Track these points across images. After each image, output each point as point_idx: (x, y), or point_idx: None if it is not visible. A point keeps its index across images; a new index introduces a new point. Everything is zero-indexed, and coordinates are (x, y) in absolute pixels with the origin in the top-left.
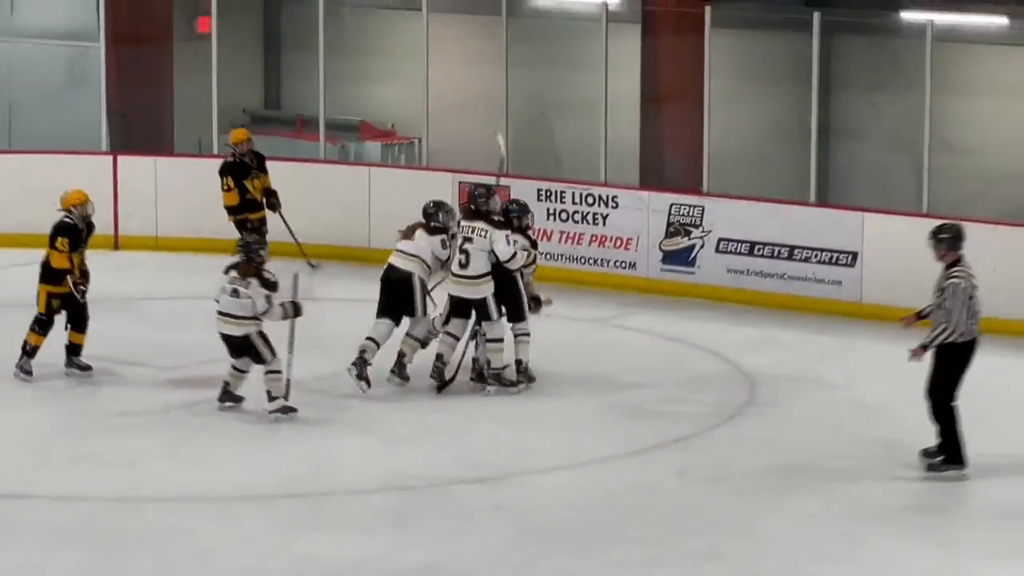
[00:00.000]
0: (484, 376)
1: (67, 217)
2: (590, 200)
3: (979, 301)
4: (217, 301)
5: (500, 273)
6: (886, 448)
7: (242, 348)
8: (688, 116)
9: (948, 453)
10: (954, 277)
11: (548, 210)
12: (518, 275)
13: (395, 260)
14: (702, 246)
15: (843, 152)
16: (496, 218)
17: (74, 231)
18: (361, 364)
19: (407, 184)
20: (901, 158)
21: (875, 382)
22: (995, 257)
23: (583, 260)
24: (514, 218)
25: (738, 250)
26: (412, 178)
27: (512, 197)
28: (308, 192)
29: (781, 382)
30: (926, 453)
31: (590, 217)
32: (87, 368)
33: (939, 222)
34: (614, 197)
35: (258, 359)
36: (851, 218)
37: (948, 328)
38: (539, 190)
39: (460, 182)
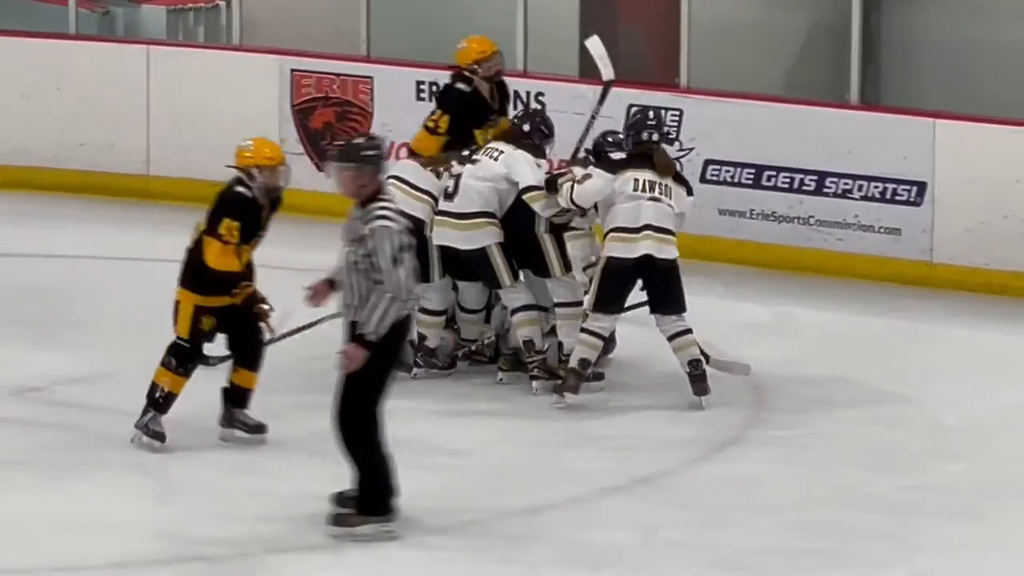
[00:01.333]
0: (521, 363)
1: (242, 185)
2: None
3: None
4: None
5: (525, 226)
6: (969, 496)
7: None
8: None
9: (363, 498)
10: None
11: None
12: (542, 228)
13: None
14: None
15: (903, 27)
16: (535, 143)
17: (251, 210)
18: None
19: (209, 72)
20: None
21: (950, 389)
22: None
23: None
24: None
25: (736, 179)
26: (216, 63)
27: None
28: (46, 85)
29: (801, 389)
30: (339, 498)
31: None
32: (260, 430)
33: None
34: (539, 94)
35: None
36: (916, 128)
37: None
38: (418, 83)
39: (293, 69)
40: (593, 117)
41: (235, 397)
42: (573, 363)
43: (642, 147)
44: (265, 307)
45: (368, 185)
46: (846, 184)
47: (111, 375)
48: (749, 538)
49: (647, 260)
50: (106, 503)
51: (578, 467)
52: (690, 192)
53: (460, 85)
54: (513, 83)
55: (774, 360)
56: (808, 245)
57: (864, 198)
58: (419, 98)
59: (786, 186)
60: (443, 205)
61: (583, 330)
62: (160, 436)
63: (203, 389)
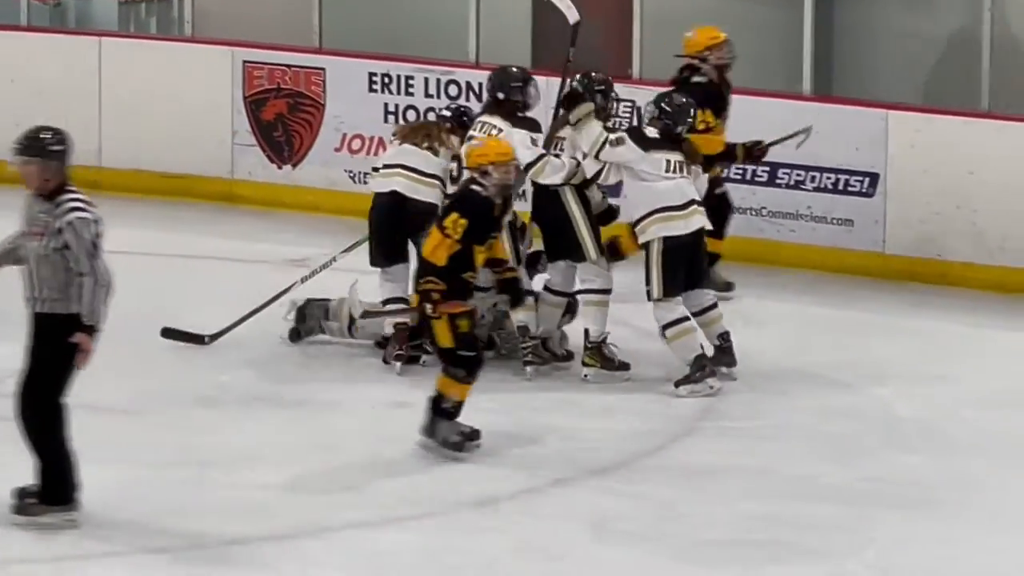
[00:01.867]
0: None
1: (476, 184)
2: (453, 90)
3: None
4: None
5: (548, 198)
6: (924, 488)
7: None
8: None
9: (46, 488)
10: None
11: (387, 106)
12: (568, 194)
13: None
14: None
15: (856, 18)
16: (526, 113)
17: (484, 209)
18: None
19: (161, 63)
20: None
21: (905, 380)
22: None
23: None
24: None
25: None
26: (168, 54)
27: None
28: None
29: (755, 380)
30: (22, 493)
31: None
32: (474, 436)
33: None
34: None
35: None
36: (869, 119)
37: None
38: (371, 74)
39: (245, 61)
40: (568, 61)
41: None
42: (688, 358)
43: (672, 134)
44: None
45: (53, 179)
46: (799, 175)
47: None
48: (703, 530)
49: (699, 235)
50: None
51: (532, 459)
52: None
53: (697, 78)
54: (466, 74)
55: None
56: (761, 236)
57: (817, 189)
58: (371, 90)
59: (739, 177)
60: (451, 189)
61: (670, 324)
62: (460, 445)
63: (159, 373)
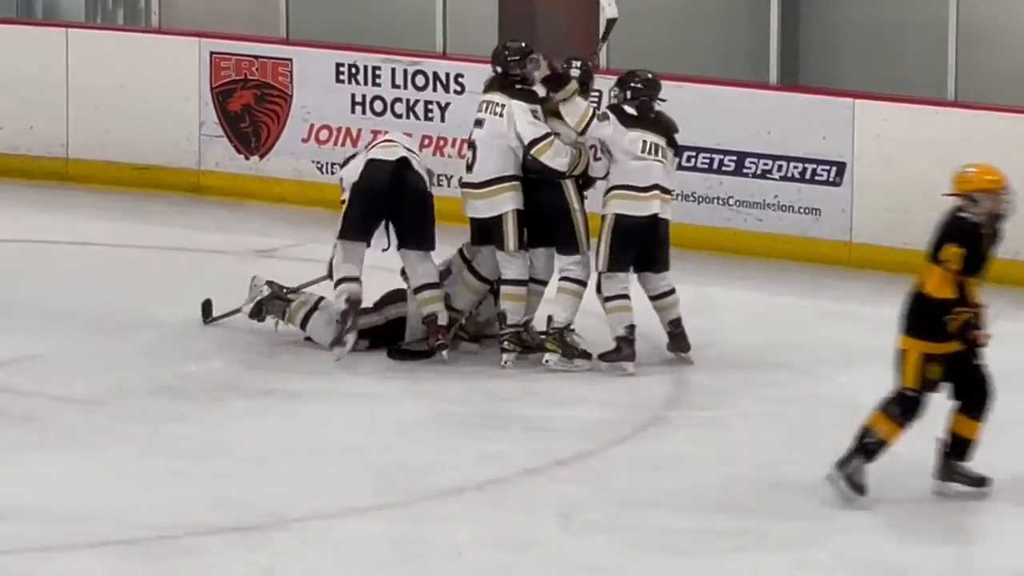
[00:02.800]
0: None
1: (966, 211)
2: (420, 81)
3: None
4: None
5: (541, 181)
6: (888, 476)
7: None
8: None
9: None
10: None
11: (354, 97)
12: (570, 186)
13: None
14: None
15: (822, 7)
16: (526, 86)
17: (975, 238)
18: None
19: (128, 54)
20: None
21: (870, 369)
22: None
23: None
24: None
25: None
26: (135, 45)
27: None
28: None
29: (721, 369)
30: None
31: (420, 108)
32: (982, 483)
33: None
34: (458, 76)
35: None
36: (835, 108)
37: None
38: (337, 65)
39: (212, 52)
40: (595, 54)
41: (956, 448)
42: (620, 332)
43: (650, 108)
44: (981, 332)
45: None
46: (765, 164)
47: (33, 358)
48: (669, 518)
49: (653, 220)
50: (27, 488)
51: (499, 449)
52: (677, 154)
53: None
54: (433, 64)
55: (695, 341)
56: (728, 225)
57: (784, 178)
58: (338, 80)
59: (705, 167)
60: (464, 177)
61: (610, 298)
62: (861, 489)
63: (125, 363)
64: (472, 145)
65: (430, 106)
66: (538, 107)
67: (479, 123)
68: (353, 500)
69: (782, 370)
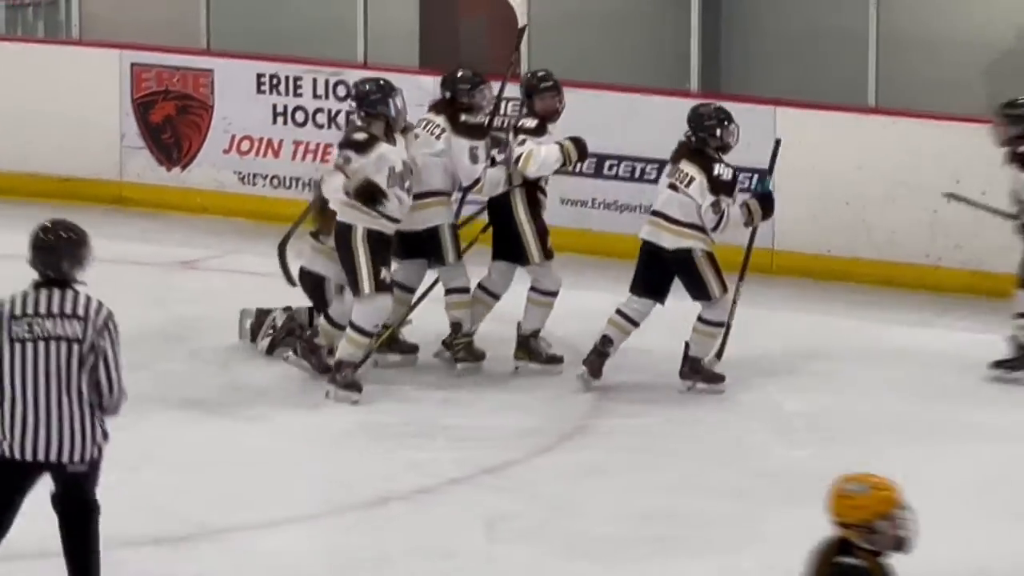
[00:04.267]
0: (531, 349)
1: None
2: (341, 91)
3: None
4: None
5: (497, 198)
6: (814, 482)
7: None
8: None
9: None
10: None
11: (275, 107)
12: (518, 198)
13: None
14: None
15: (743, 15)
16: (469, 119)
17: None
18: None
19: (49, 67)
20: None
21: (793, 376)
22: None
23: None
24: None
25: (578, 168)
26: (56, 57)
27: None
28: None
29: (646, 377)
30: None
31: (341, 119)
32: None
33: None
34: None
35: None
36: (757, 116)
37: None
38: (259, 76)
39: (133, 63)
40: (510, 64)
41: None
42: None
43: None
44: None
45: None
46: None
47: None
48: (596, 526)
49: (645, 245)
50: None
51: (425, 457)
52: (721, 190)
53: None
54: (354, 75)
55: (619, 349)
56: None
57: None
58: (259, 91)
59: (628, 175)
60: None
61: (617, 311)
62: None
63: None
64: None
65: (351, 116)
66: (479, 144)
67: (415, 136)
68: (281, 511)
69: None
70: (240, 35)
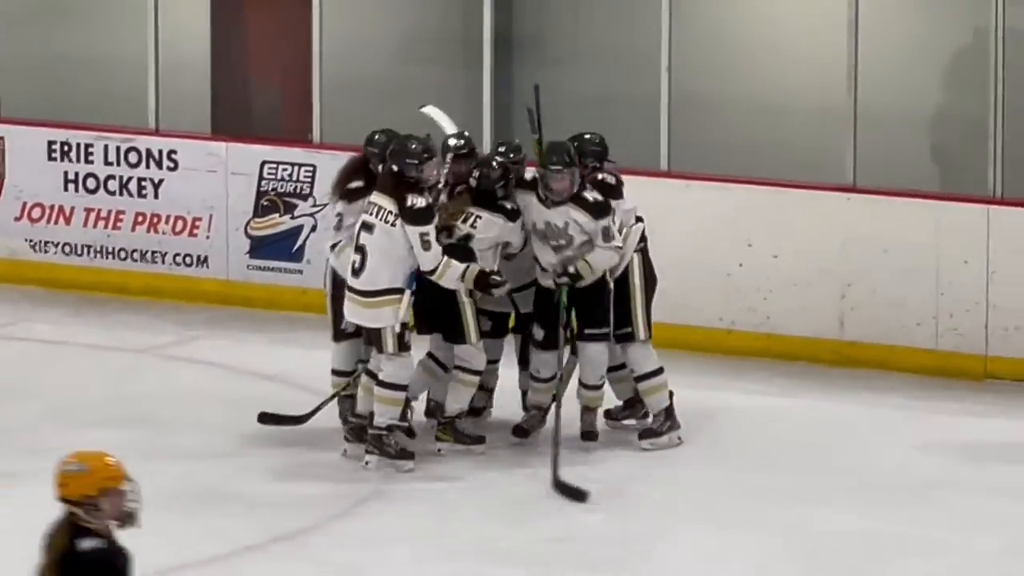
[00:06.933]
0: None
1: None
2: (133, 158)
3: None
4: None
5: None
6: (608, 546)
7: None
8: (287, 22)
9: None
10: None
11: (66, 175)
12: (464, 293)
13: None
14: (314, 228)
15: (534, 78)
16: (416, 202)
17: None
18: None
19: None
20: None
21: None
22: None
23: (123, 254)
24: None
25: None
26: None
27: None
28: None
29: (450, 445)
30: None
31: (133, 185)
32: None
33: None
34: (171, 152)
35: None
36: None
37: None
38: (50, 143)
39: None
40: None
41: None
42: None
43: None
44: None
45: None
46: None
47: None
48: None
49: None
50: None
51: (218, 525)
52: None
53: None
54: (145, 142)
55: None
56: None
57: None
58: (51, 158)
59: None
60: (351, 281)
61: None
62: None
63: None
64: (360, 249)
65: (143, 183)
66: (429, 228)
67: (368, 227)
68: None
69: (495, 440)
70: (31, 102)
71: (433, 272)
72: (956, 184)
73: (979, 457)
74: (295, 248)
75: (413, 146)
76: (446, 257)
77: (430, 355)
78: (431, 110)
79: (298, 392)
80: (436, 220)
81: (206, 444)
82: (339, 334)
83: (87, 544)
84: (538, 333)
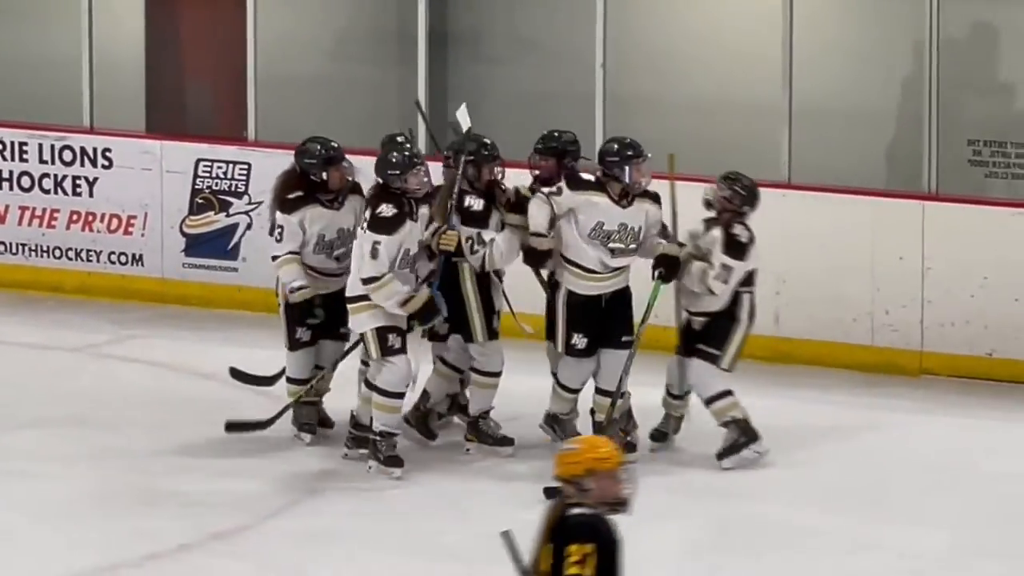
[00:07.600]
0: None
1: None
2: (67, 156)
3: None
4: None
5: (448, 269)
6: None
7: None
8: (221, 21)
9: None
10: None
11: (0, 173)
12: (468, 277)
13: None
14: (249, 226)
15: (468, 76)
16: (383, 211)
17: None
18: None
19: None
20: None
21: (528, 439)
22: None
23: (58, 253)
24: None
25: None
26: None
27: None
28: None
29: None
30: None
31: (68, 184)
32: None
33: None
34: (106, 151)
35: None
36: None
37: None
38: None
39: None
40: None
41: None
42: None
43: None
44: None
45: None
46: None
47: None
48: None
49: None
50: None
51: (154, 525)
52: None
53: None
54: (80, 140)
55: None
56: None
57: None
58: None
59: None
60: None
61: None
62: None
63: None
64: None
65: (78, 181)
66: (384, 239)
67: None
68: None
69: (442, 439)
70: None
71: (370, 282)
72: (891, 180)
73: (915, 453)
74: (230, 246)
75: (394, 157)
76: (390, 275)
77: (440, 359)
78: (462, 114)
79: (234, 390)
80: (398, 234)
81: (142, 443)
82: (294, 343)
83: (575, 511)
84: (580, 341)
